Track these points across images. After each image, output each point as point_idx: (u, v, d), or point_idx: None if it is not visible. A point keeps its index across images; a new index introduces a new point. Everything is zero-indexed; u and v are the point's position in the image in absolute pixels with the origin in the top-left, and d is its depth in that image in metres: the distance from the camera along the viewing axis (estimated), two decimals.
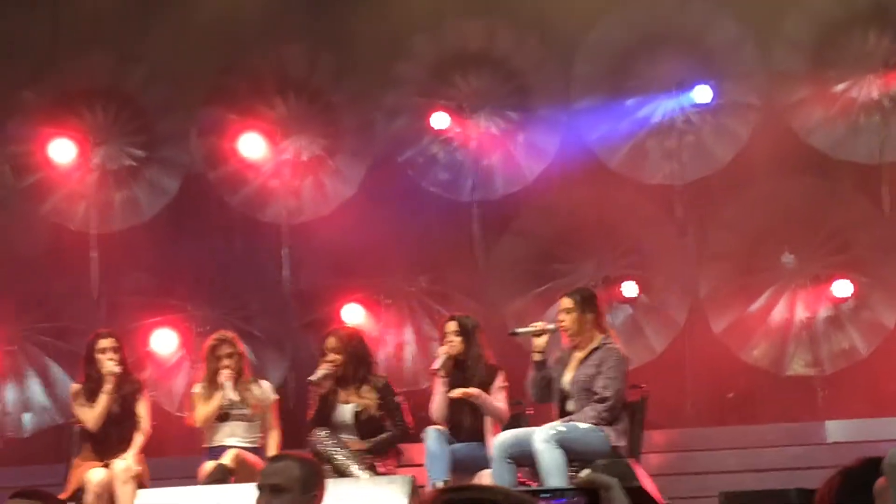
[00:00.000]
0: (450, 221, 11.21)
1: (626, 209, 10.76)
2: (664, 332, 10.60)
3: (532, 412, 8.09)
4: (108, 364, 7.93)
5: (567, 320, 7.53)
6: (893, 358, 10.38)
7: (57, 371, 11.05)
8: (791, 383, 10.48)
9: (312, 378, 8.01)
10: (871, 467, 2.38)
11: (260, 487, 4.65)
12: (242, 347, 8.31)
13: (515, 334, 7.89)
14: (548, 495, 1.78)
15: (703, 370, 10.38)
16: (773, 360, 10.56)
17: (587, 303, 7.57)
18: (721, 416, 10.36)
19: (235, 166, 11.22)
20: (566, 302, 7.59)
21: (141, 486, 7.65)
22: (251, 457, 7.87)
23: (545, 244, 10.82)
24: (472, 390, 7.69)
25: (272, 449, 8.00)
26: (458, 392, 7.68)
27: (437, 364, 7.80)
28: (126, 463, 7.69)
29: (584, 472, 6.36)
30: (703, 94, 10.63)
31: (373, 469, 7.70)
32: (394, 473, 7.72)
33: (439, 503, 1.62)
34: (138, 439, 8.02)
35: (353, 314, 10.76)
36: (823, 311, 10.53)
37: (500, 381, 7.85)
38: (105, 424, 7.93)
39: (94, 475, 7.67)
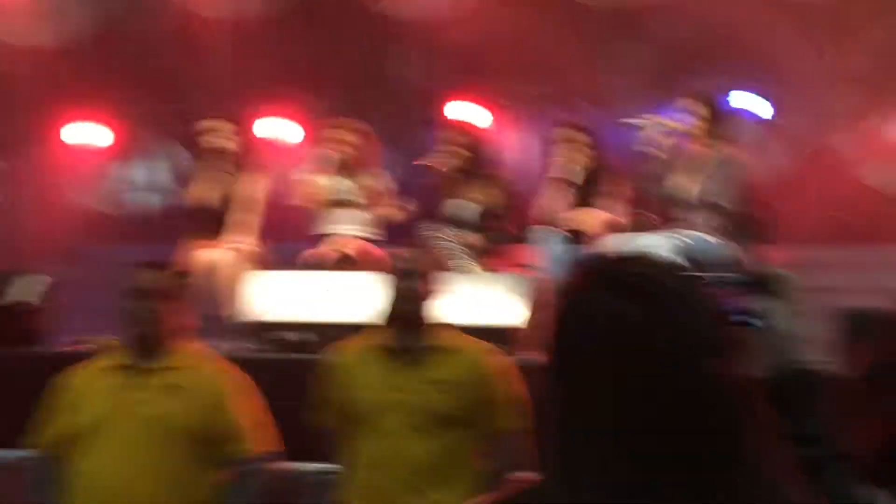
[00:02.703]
0: (573, 26, 10.98)
1: (759, 24, 10.44)
2: (793, 152, 10.40)
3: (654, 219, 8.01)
4: (226, 144, 7.98)
5: (694, 124, 7.36)
6: None
7: (181, 153, 11.17)
8: None
9: (431, 161, 7.97)
10: None
11: (403, 273, 4.70)
12: (359, 135, 8.24)
13: (638, 126, 7.64)
14: (717, 281, 1.76)
15: (829, 191, 10.20)
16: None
17: (719, 111, 7.39)
18: (845, 237, 10.20)
19: None
20: (697, 107, 7.40)
21: (254, 268, 7.72)
22: (372, 248, 7.90)
23: (671, 52, 10.57)
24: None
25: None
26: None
27: (555, 172, 7.66)
28: (239, 244, 7.77)
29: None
30: None
31: (492, 268, 7.70)
32: (510, 272, 7.73)
33: (593, 279, 1.55)
34: (255, 221, 8.08)
35: (473, 114, 10.68)
36: None
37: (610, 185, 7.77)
38: (222, 204, 7.99)
39: (209, 254, 7.77)
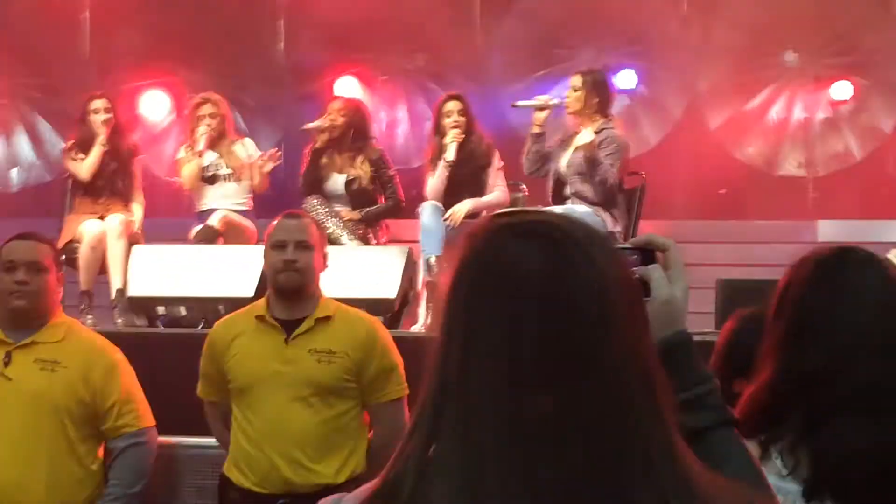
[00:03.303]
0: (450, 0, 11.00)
1: None
2: (660, 125, 10.54)
3: (528, 194, 8.06)
4: (101, 119, 7.87)
5: (573, 98, 7.45)
6: (887, 163, 10.37)
7: (45, 128, 10.94)
8: (783, 183, 10.49)
9: (308, 125, 7.94)
10: (843, 257, 2.31)
11: (280, 244, 4.65)
12: (226, 109, 8.18)
13: (517, 106, 7.82)
14: None
15: (697, 165, 10.36)
16: (767, 159, 10.55)
17: (598, 85, 7.47)
18: (713, 210, 10.38)
19: None
20: (576, 80, 7.49)
21: (135, 243, 7.62)
22: (239, 218, 7.84)
23: (547, 27, 10.65)
24: (466, 205, 7.54)
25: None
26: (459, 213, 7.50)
27: (449, 155, 7.65)
28: (121, 217, 7.65)
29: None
30: None
31: (364, 240, 7.68)
32: (383, 244, 7.71)
33: (495, 227, 1.51)
34: (139, 198, 7.99)
35: (349, 88, 10.62)
36: (821, 113, 10.47)
37: (497, 161, 7.78)
38: (99, 178, 7.87)
39: (90, 227, 7.64)
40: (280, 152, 8.19)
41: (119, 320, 7.27)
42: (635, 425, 1.42)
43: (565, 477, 1.40)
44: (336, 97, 8.22)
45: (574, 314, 1.43)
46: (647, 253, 1.77)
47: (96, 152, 7.84)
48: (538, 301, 1.43)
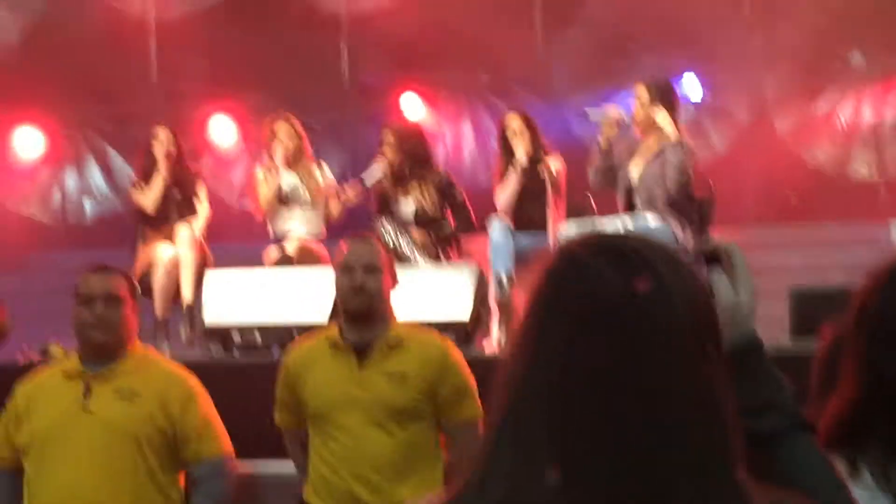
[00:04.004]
0: (510, 14, 11.00)
1: (692, 4, 10.52)
2: (727, 132, 10.48)
3: (595, 204, 8.05)
4: (162, 150, 7.96)
5: (639, 109, 7.43)
6: None
7: (116, 158, 11.08)
8: (854, 186, 10.38)
9: (365, 180, 7.96)
10: None
11: (348, 268, 4.67)
12: (302, 129, 8.22)
13: (587, 114, 7.75)
14: None
15: (766, 170, 10.29)
16: (837, 162, 10.45)
17: (662, 94, 7.44)
18: (783, 215, 10.29)
19: None
20: (641, 90, 7.46)
21: (206, 267, 7.70)
22: (314, 245, 7.89)
23: (609, 37, 10.62)
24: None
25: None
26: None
27: (520, 162, 7.68)
28: (189, 229, 7.74)
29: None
30: None
31: (436, 260, 7.71)
32: (456, 264, 7.73)
33: (572, 250, 1.49)
34: (202, 212, 8.07)
35: (413, 106, 10.67)
36: (890, 112, 10.36)
37: (557, 163, 7.81)
38: (164, 208, 7.96)
39: (163, 252, 7.73)
40: (362, 187, 8.18)
41: (191, 346, 7.35)
42: (703, 450, 1.42)
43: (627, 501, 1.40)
44: (387, 129, 8.18)
45: (653, 336, 1.42)
46: (711, 259, 1.78)
47: (158, 185, 7.93)
48: (617, 324, 1.42)
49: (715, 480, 1.40)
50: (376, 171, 7.89)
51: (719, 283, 1.74)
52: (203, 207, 8.13)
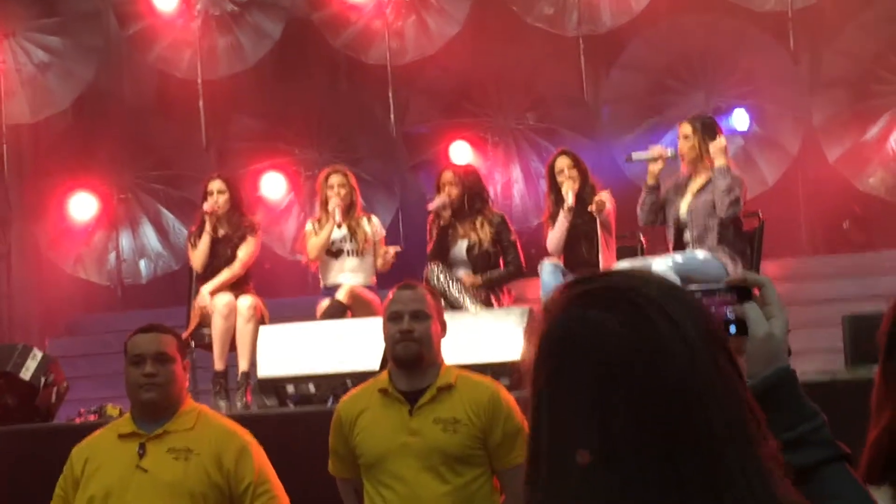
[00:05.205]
0: (556, 57, 11.05)
1: (736, 37, 10.51)
2: (777, 163, 10.42)
3: (645, 243, 8.04)
4: (219, 204, 7.98)
5: (685, 147, 7.43)
6: None
7: (169, 218, 11.19)
8: None
9: (431, 206, 8.00)
10: None
11: (396, 315, 4.68)
12: (355, 181, 8.25)
13: (631, 160, 7.80)
14: (698, 293, 1.73)
15: (818, 199, 10.22)
16: (889, 188, 10.36)
17: (707, 129, 7.44)
18: (837, 244, 10.21)
19: (337, 8, 11.13)
20: (686, 128, 7.47)
21: (262, 323, 7.72)
22: (366, 292, 7.90)
23: (654, 76, 10.63)
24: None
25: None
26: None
27: (568, 201, 7.69)
28: (250, 300, 7.74)
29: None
30: None
31: (487, 303, 7.71)
32: (508, 307, 7.72)
33: (569, 297, 1.51)
34: (224, 274, 8.02)
35: (461, 153, 10.71)
36: None
37: (607, 198, 7.79)
38: (214, 264, 7.97)
39: (220, 299, 7.75)
40: (400, 247, 8.21)
41: (240, 403, 7.38)
42: (731, 484, 1.41)
43: None
44: (445, 168, 8.28)
45: (658, 375, 1.43)
46: (744, 291, 1.77)
47: (205, 242, 7.95)
48: (620, 366, 1.43)
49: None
50: (439, 202, 7.93)
51: (752, 314, 1.73)
52: (236, 262, 8.01)
